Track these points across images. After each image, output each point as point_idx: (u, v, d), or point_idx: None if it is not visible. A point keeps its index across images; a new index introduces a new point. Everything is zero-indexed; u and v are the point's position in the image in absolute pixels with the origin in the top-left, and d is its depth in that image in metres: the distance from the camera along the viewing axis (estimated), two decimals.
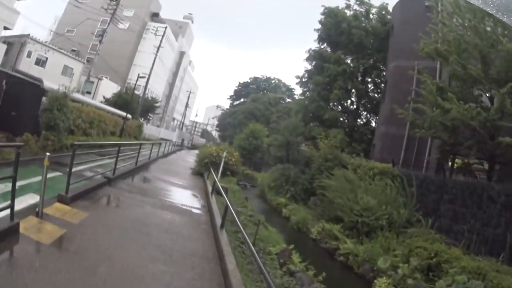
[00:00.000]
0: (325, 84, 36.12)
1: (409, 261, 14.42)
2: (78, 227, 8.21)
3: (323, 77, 36.10)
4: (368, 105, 38.44)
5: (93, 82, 55.19)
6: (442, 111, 18.57)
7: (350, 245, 16.45)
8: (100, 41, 46.87)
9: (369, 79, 39.11)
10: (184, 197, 16.86)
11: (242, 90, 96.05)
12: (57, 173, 13.29)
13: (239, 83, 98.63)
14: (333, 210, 20.52)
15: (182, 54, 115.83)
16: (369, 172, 22.67)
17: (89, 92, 52.43)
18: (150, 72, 53.59)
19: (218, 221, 11.41)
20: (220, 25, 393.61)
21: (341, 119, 36.59)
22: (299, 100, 43.67)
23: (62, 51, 47.71)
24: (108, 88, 57.36)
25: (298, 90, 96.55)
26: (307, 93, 40.73)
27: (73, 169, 10.10)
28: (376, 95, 38.78)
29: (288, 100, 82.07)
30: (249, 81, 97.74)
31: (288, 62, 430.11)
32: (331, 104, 37.39)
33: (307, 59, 40.54)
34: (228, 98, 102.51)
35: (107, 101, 49.31)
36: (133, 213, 10.88)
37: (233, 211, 10.39)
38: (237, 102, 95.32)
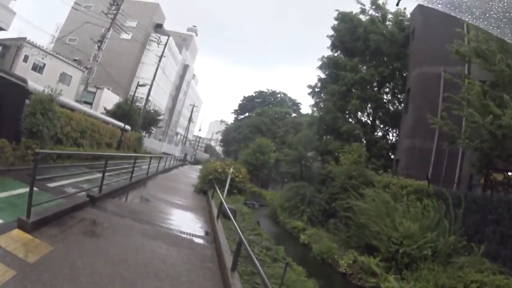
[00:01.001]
0: (341, 94, 33.06)
1: None
2: (32, 269, 5.92)
3: (339, 86, 33.03)
4: (385, 117, 35.40)
5: (93, 92, 54.12)
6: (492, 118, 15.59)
7: (395, 284, 13.25)
8: (99, 47, 45.45)
9: (387, 89, 36.23)
10: (185, 221, 14.42)
11: (247, 104, 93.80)
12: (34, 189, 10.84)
13: (244, 97, 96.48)
14: (364, 237, 17.44)
15: (185, 67, 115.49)
16: (401, 191, 19.68)
17: (89, 103, 51.12)
18: (152, 82, 52.19)
19: (227, 257, 8.93)
20: (224, 40, 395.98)
21: (358, 132, 33.44)
22: (312, 112, 40.64)
23: (61, 57, 45.93)
24: (109, 99, 56.21)
25: (304, 105, 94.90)
26: (320, 104, 37.57)
27: (53, 184, 9.18)
28: (392, 106, 36.01)
29: (294, 115, 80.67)
30: (254, 95, 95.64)
31: (292, 79, 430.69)
32: (347, 115, 34.41)
33: (320, 67, 37.37)
34: (232, 113, 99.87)
35: (108, 113, 48.06)
36: (116, 247, 8.29)
37: (247, 245, 7.75)
38: (242, 116, 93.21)
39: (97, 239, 8.53)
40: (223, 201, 13.76)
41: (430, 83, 25.18)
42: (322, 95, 37.34)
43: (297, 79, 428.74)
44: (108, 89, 62.03)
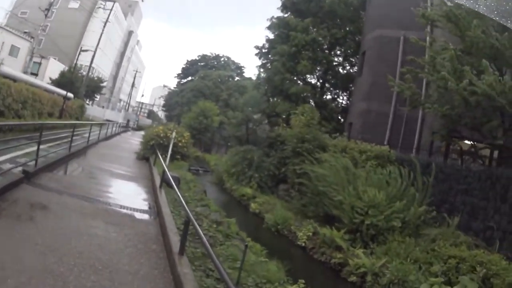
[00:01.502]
0: (290, 55, 31.23)
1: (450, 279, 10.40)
2: None
3: (289, 47, 31.13)
4: (335, 80, 34.26)
5: (39, 63, 53.54)
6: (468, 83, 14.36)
7: (366, 260, 11.61)
8: (46, 15, 45.04)
9: (338, 52, 34.88)
10: (126, 193, 12.94)
11: (190, 68, 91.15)
12: None
13: (187, 61, 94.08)
14: (322, 206, 15.87)
15: (130, 34, 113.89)
16: (360, 156, 18.23)
17: (35, 74, 49.91)
18: (96, 48, 51.28)
19: (174, 237, 7.71)
20: (169, 2, 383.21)
21: (307, 94, 31.94)
22: (258, 74, 38.48)
23: (8, 28, 45.80)
24: (56, 69, 54.62)
25: (248, 68, 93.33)
26: (268, 65, 35.60)
27: None
28: (343, 69, 35.32)
29: (237, 78, 79.15)
30: (197, 58, 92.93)
31: (236, 42, 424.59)
32: (296, 77, 32.68)
33: (269, 28, 35.24)
34: (175, 77, 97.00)
35: (53, 82, 47.64)
36: (47, 234, 6.85)
37: (196, 225, 6.67)
38: (185, 80, 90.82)
39: (26, 225, 7.07)
40: (166, 169, 12.72)
41: (388, 46, 24.53)
42: (270, 56, 35.39)
43: (242, 42, 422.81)
44: (55, 58, 60.31)
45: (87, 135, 22.62)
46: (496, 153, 18.09)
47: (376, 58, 26.02)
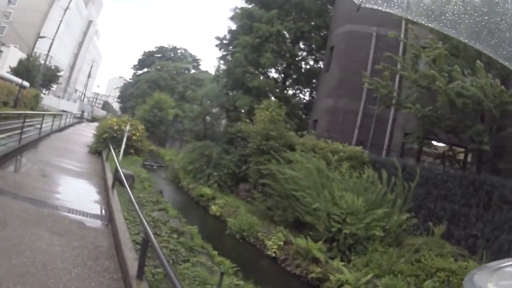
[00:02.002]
0: (253, 47, 29.45)
1: None
2: None
3: (252, 38, 29.36)
4: (298, 75, 32.75)
5: (1, 51, 53.79)
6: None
7: (349, 276, 10.08)
8: (9, 1, 42.33)
9: (302, 46, 33.28)
10: (76, 193, 11.72)
11: (147, 60, 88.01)
12: None
13: (144, 52, 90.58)
14: (291, 211, 14.39)
15: (89, 23, 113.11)
16: (330, 156, 16.81)
17: None
18: (55, 36, 51.00)
19: (129, 254, 6.57)
20: None
21: (269, 88, 30.09)
22: (218, 66, 36.23)
23: None
24: (17, 58, 54.14)
25: (204, 61, 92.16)
26: (228, 57, 33.73)
27: None
28: (305, 64, 33.82)
29: (193, 71, 77.97)
30: (154, 50, 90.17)
31: (196, 34, 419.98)
32: (258, 70, 30.92)
33: (232, 18, 33.31)
34: (131, 68, 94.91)
35: (12, 70, 47.46)
36: None
37: (157, 248, 5.39)
38: (141, 72, 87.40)
39: None
40: (118, 166, 11.78)
41: (358, 42, 23.73)
42: (231, 48, 33.38)
43: (200, 35, 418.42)
44: (15, 47, 59.60)
45: (39, 126, 21.48)
46: (469, 157, 18.00)
47: (345, 53, 24.97)
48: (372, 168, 15.36)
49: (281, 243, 12.60)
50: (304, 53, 33.67)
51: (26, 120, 17.95)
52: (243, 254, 12.87)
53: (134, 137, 22.99)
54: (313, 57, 33.56)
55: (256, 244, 13.66)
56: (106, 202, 10.89)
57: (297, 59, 32.36)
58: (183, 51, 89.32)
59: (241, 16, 32.11)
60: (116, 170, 11.59)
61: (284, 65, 31.72)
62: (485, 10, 3.08)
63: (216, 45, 34.51)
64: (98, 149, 21.78)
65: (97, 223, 8.81)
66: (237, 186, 21.43)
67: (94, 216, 9.31)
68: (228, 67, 30.83)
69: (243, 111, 28.28)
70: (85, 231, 7.91)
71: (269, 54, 28.28)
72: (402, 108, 16.63)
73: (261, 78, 30.24)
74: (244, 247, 13.71)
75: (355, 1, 4.23)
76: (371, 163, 16.30)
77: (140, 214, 6.87)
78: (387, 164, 15.76)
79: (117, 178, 11.72)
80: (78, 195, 11.37)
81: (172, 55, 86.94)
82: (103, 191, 12.29)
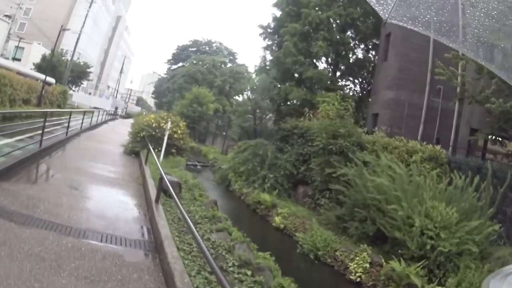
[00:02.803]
0: (303, 35, 27.29)
1: None
2: None
3: (301, 25, 27.18)
4: (345, 65, 30.24)
5: (22, 48, 52.06)
6: None
7: None
8: None
9: (351, 34, 30.50)
10: (109, 209, 9.29)
11: (181, 54, 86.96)
12: None
13: (178, 46, 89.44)
14: (372, 224, 12.16)
15: (118, 19, 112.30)
16: (407, 157, 14.87)
17: (18, 59, 48.85)
18: (81, 30, 48.92)
19: None
20: None
21: (324, 79, 27.31)
22: (263, 57, 34.00)
23: None
24: (40, 54, 51.78)
25: (240, 55, 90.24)
26: (273, 46, 31.82)
27: None
28: (352, 53, 30.89)
29: (229, 65, 75.95)
30: (188, 44, 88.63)
31: (229, 28, 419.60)
32: (309, 59, 28.33)
33: (277, 5, 31.27)
34: (165, 63, 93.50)
35: (35, 67, 46.69)
36: None
37: None
38: (175, 66, 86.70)
39: None
40: (163, 173, 9.35)
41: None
42: (276, 37, 31.36)
43: (234, 28, 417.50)
44: (39, 43, 57.23)
45: (68, 124, 19.70)
46: None
47: (404, 41, 22.93)
48: (450, 170, 13.37)
49: (367, 265, 10.51)
50: (355, 42, 30.97)
51: (52, 118, 16.29)
52: (323, 279, 10.82)
53: (175, 135, 21.30)
54: (361, 46, 31.08)
55: (334, 265, 11.43)
56: (149, 220, 8.88)
57: (349, 47, 29.81)
58: (218, 44, 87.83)
59: (286, 2, 29.89)
60: (161, 179, 9.50)
61: (334, 55, 29.28)
62: (502, 35, 3.13)
63: (260, 34, 32.38)
64: (135, 149, 20.04)
65: (140, 255, 6.72)
66: (295, 190, 19.28)
67: (135, 243, 7.20)
68: (276, 57, 28.39)
69: (299, 104, 26.24)
70: (125, 271, 5.82)
71: (321, 42, 26.09)
72: (475, 102, 14.72)
73: (313, 68, 27.88)
74: (321, 270, 11.42)
75: (382, 16, 4.57)
76: (449, 165, 14.35)
77: (204, 248, 4.89)
78: (463, 165, 13.79)
79: (161, 188, 9.84)
80: (113, 211, 9.03)
81: (207, 48, 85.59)
82: (143, 204, 10.26)
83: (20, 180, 9.56)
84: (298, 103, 25.09)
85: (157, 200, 9.41)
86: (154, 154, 13.38)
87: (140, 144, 19.77)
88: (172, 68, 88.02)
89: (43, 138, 13.93)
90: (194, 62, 70.53)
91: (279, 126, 23.05)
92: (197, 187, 15.24)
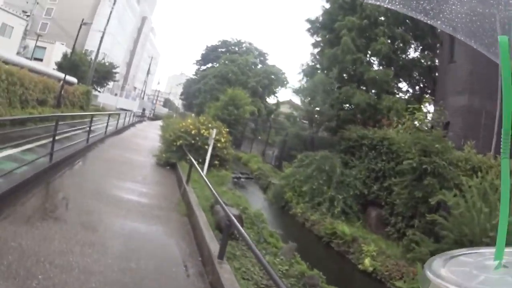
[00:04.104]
0: (361, 29, 23.74)
1: None
2: None
3: (359, 19, 23.74)
4: (401, 65, 25.89)
5: (44, 48, 51.62)
6: None
7: None
8: None
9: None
10: (141, 272, 5.69)
11: (210, 54, 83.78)
12: None
13: (207, 46, 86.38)
14: None
15: (144, 20, 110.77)
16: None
17: (39, 59, 47.92)
18: (105, 29, 46.16)
19: None
20: None
21: (388, 80, 23.35)
22: (312, 55, 29.75)
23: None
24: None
25: (272, 55, 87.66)
26: (321, 43, 28.21)
27: None
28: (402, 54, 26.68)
29: (259, 66, 72.66)
30: (217, 44, 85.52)
31: (255, 28, 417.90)
32: (369, 58, 25.01)
33: None
34: (194, 63, 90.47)
35: (56, 65, 44.53)
36: None
37: None
38: (204, 67, 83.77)
39: None
40: (221, 201, 7.32)
41: None
42: (327, 32, 27.27)
43: (259, 29, 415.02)
44: (62, 44, 55.99)
45: (89, 129, 16.58)
46: None
47: None
48: None
49: None
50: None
51: (74, 122, 13.29)
52: None
53: (218, 144, 17.97)
54: (414, 44, 26.93)
55: None
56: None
57: (409, 45, 26.22)
58: (248, 45, 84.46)
59: None
60: (212, 208, 7.85)
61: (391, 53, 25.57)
62: (480, 10, 2.63)
63: (307, 29, 28.76)
64: (170, 161, 17.01)
65: None
66: (365, 212, 16.23)
67: None
68: (333, 54, 24.06)
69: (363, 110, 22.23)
70: None
71: (383, 39, 22.67)
72: None
73: (374, 67, 24.46)
74: None
75: None
76: None
77: None
78: None
79: (217, 224, 7.49)
80: (151, 275, 5.68)
81: (237, 49, 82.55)
82: (194, 253, 7.03)
83: (10, 218, 6.32)
84: (361, 108, 21.31)
85: (221, 256, 6.08)
86: (200, 170, 10.91)
87: (177, 155, 16.97)
88: (200, 69, 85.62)
89: (58, 148, 11.11)
90: (226, 62, 67.69)
91: (342, 135, 19.57)
92: (261, 219, 11.76)
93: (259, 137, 41.05)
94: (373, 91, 23.01)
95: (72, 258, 5.36)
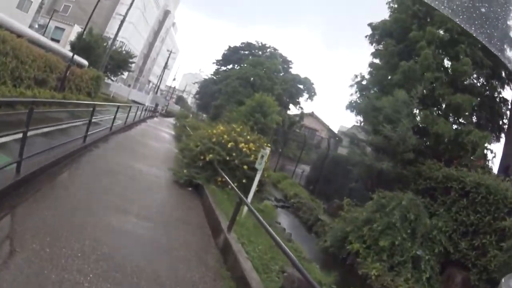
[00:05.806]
0: (443, 44, 19.57)
1: None
2: None
3: (441, 29, 19.69)
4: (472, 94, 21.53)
5: (62, 29, 52.70)
6: None
7: None
8: None
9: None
10: None
11: (232, 55, 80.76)
12: None
13: (229, 46, 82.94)
14: None
15: (166, 13, 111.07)
16: None
17: (57, 40, 48.24)
18: (125, 15, 46.68)
19: None
20: None
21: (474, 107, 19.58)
22: (373, 65, 24.87)
23: None
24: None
25: (296, 63, 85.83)
26: (382, 54, 23.04)
27: None
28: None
29: (281, 73, 68.29)
30: (241, 45, 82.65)
31: (275, 40, 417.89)
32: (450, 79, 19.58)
33: (396, 3, 22.92)
34: (214, 63, 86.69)
35: (70, 46, 42.24)
36: None
37: None
38: (224, 68, 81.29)
39: None
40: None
41: None
42: (394, 42, 22.07)
43: (281, 39, 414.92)
44: (81, 27, 52.99)
45: (88, 125, 13.41)
46: None
47: None
48: None
49: None
50: None
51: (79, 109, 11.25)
52: None
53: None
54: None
55: None
56: None
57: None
58: (272, 50, 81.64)
59: None
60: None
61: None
62: None
63: (367, 36, 24.24)
64: (194, 180, 13.14)
65: None
66: (444, 274, 12.24)
67: None
68: (409, 69, 19.27)
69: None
70: None
71: (467, 59, 18.40)
72: None
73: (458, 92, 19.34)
74: None
75: None
76: None
77: None
78: None
79: None
80: None
81: (260, 53, 79.69)
82: None
83: None
84: (441, 140, 16.91)
85: None
86: (258, 216, 7.37)
87: (205, 174, 13.28)
88: (220, 70, 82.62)
89: (35, 151, 7.92)
90: (252, 64, 63.54)
91: (419, 171, 15.26)
92: None
93: (280, 150, 37.79)
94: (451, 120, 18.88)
95: None
